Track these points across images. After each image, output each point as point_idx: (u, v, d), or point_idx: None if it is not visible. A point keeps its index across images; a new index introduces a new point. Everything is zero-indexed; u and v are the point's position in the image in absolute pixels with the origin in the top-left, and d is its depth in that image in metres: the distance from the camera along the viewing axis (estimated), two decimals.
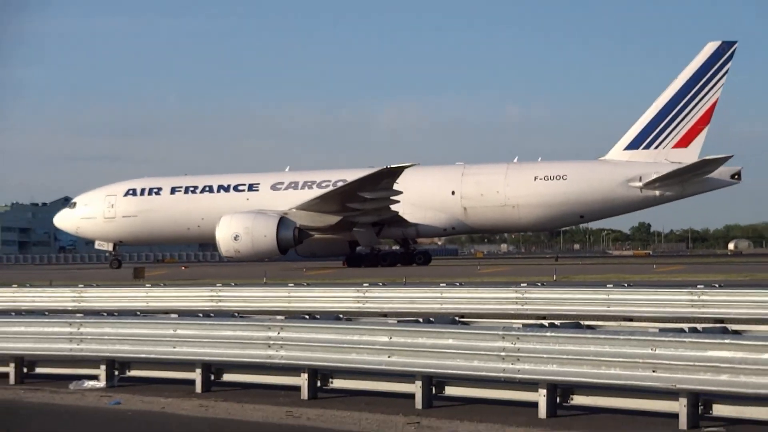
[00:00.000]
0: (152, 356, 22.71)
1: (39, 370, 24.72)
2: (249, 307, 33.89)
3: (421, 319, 23.28)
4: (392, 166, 74.34)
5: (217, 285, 37.77)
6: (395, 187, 76.37)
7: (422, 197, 79.31)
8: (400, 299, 33.21)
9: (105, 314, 26.96)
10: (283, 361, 20.89)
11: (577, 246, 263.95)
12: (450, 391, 19.69)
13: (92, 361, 23.64)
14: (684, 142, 78.05)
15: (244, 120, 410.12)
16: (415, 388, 19.60)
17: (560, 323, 21.11)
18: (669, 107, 78.37)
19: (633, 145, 79.29)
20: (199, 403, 20.88)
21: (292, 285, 37.45)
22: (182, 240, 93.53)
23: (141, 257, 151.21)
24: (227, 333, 21.65)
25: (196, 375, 22.25)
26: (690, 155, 77.34)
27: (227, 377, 22.42)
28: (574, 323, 21.79)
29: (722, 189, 79.16)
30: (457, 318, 25.30)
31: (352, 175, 78.91)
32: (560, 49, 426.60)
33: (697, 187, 77.99)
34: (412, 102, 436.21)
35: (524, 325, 20.38)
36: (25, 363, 24.56)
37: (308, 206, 78.05)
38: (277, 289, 36.93)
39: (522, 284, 33.23)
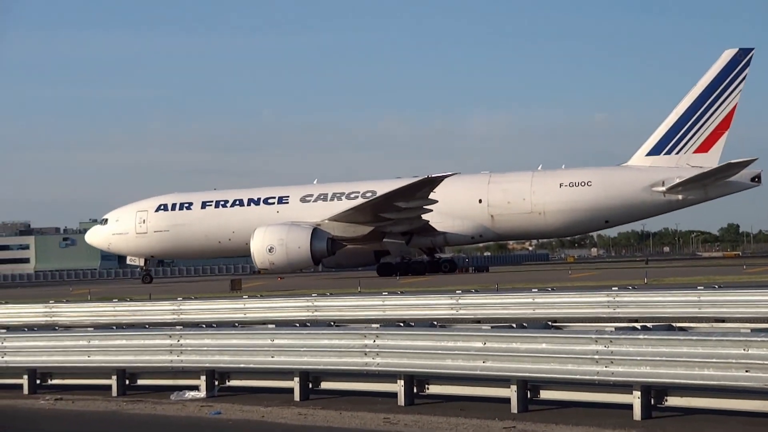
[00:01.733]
0: (251, 366, 23.14)
1: (140, 381, 25.24)
2: (344, 316, 34.11)
3: (514, 325, 23.47)
4: (433, 175, 74.94)
5: (313, 295, 38.06)
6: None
7: (450, 206, 79.41)
8: (493, 305, 33.30)
9: (204, 326, 27.37)
10: (380, 369, 21.15)
11: (666, 248, 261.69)
12: (545, 394, 19.81)
13: (192, 372, 24.10)
14: (705, 147, 78.98)
15: (338, 132, 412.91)
16: (510, 392, 19.74)
17: (652, 326, 21.11)
18: (689, 113, 79.16)
19: (655, 151, 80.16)
20: (298, 412, 21.21)
21: (386, 293, 37.59)
22: (213, 254, 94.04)
23: (237, 269, 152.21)
24: (324, 342, 21.98)
25: (295, 384, 22.58)
26: (711, 160, 78.33)
27: (325, 385, 22.72)
28: (666, 325, 21.79)
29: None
30: (549, 323, 25.41)
31: (379, 186, 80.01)
32: (577, 57, 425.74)
33: (719, 190, 78.91)
34: (502, 110, 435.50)
35: (617, 328, 20.43)
36: (126, 375, 25.10)
37: (341, 217, 78.57)
38: (371, 297, 37.09)
39: (613, 288, 33.14)
